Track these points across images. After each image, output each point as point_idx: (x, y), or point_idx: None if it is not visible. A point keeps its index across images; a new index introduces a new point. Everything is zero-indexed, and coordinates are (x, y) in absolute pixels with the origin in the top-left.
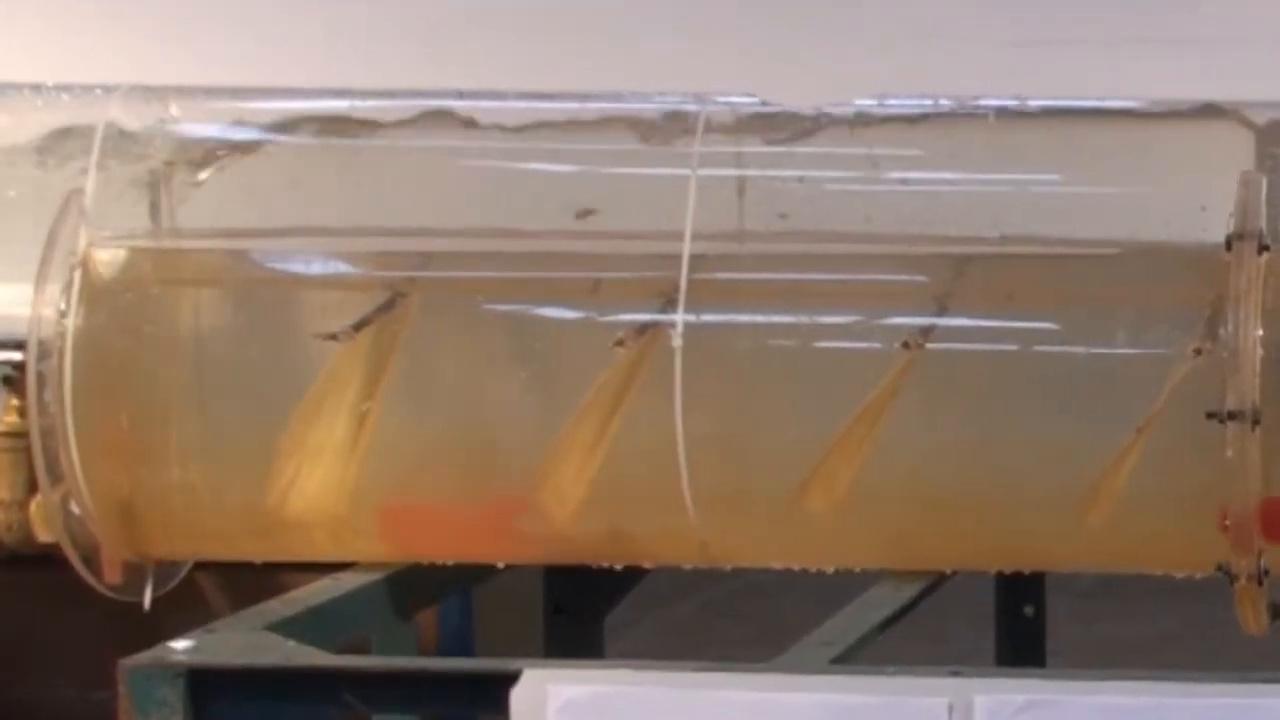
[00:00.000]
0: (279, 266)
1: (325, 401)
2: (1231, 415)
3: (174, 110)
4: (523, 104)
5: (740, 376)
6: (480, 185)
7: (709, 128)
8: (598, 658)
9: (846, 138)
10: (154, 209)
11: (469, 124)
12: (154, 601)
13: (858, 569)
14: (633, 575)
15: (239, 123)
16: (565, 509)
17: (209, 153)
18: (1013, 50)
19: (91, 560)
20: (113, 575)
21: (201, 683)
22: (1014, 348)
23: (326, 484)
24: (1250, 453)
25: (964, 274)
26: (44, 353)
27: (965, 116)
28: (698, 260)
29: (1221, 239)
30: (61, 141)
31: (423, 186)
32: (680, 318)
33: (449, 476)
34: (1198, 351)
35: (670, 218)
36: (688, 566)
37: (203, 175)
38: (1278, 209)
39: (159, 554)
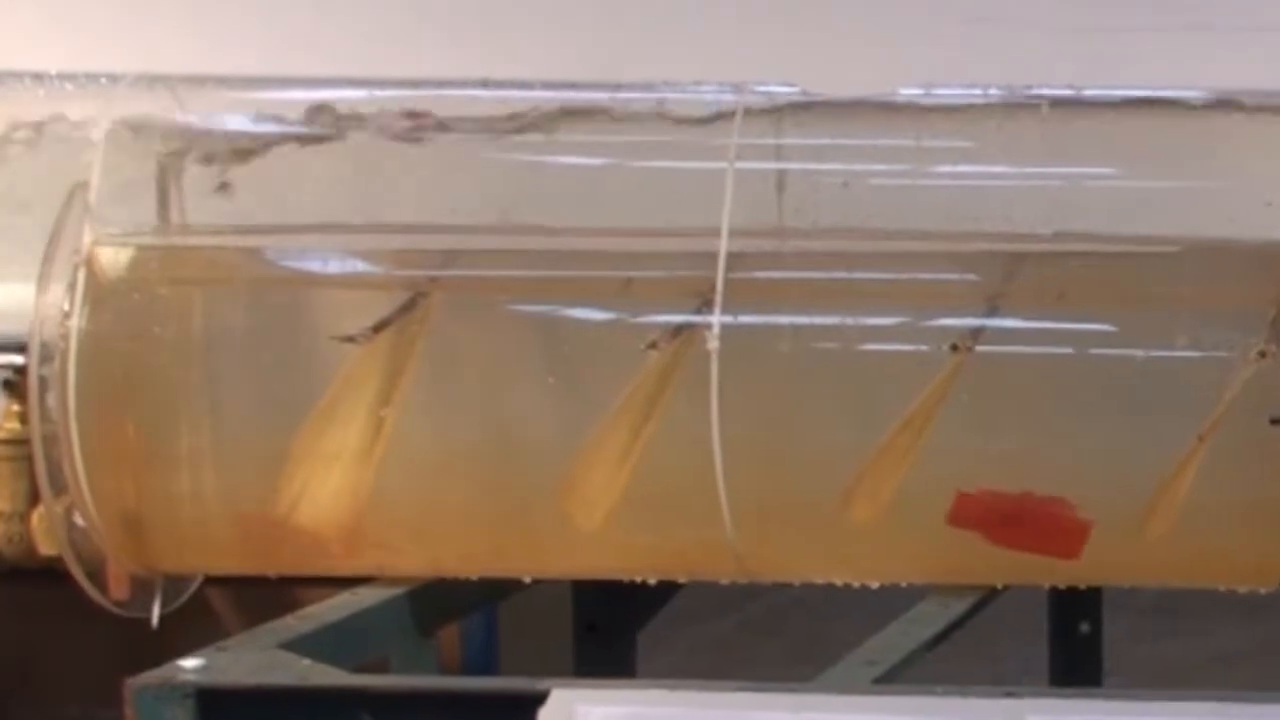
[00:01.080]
0: (293, 265)
1: (341, 406)
2: None
3: (184, 100)
4: (550, 94)
5: (780, 381)
6: (505, 179)
7: (747, 119)
8: (629, 677)
9: (892, 129)
10: (162, 204)
11: (495, 114)
12: (163, 618)
13: (903, 584)
14: (666, 591)
15: (251, 114)
16: (595, 520)
17: (220, 145)
18: (1067, 36)
19: (96, 575)
20: (119, 590)
21: (212, 703)
22: (1068, 351)
23: (340, 493)
24: None
25: (1016, 273)
26: (46, 356)
27: (1018, 106)
28: (735, 258)
29: None
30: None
31: (446, 180)
32: (717, 319)
33: (471, 486)
34: (1262, 354)
35: (706, 213)
36: (724, 581)
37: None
38: None
39: (167, 568)
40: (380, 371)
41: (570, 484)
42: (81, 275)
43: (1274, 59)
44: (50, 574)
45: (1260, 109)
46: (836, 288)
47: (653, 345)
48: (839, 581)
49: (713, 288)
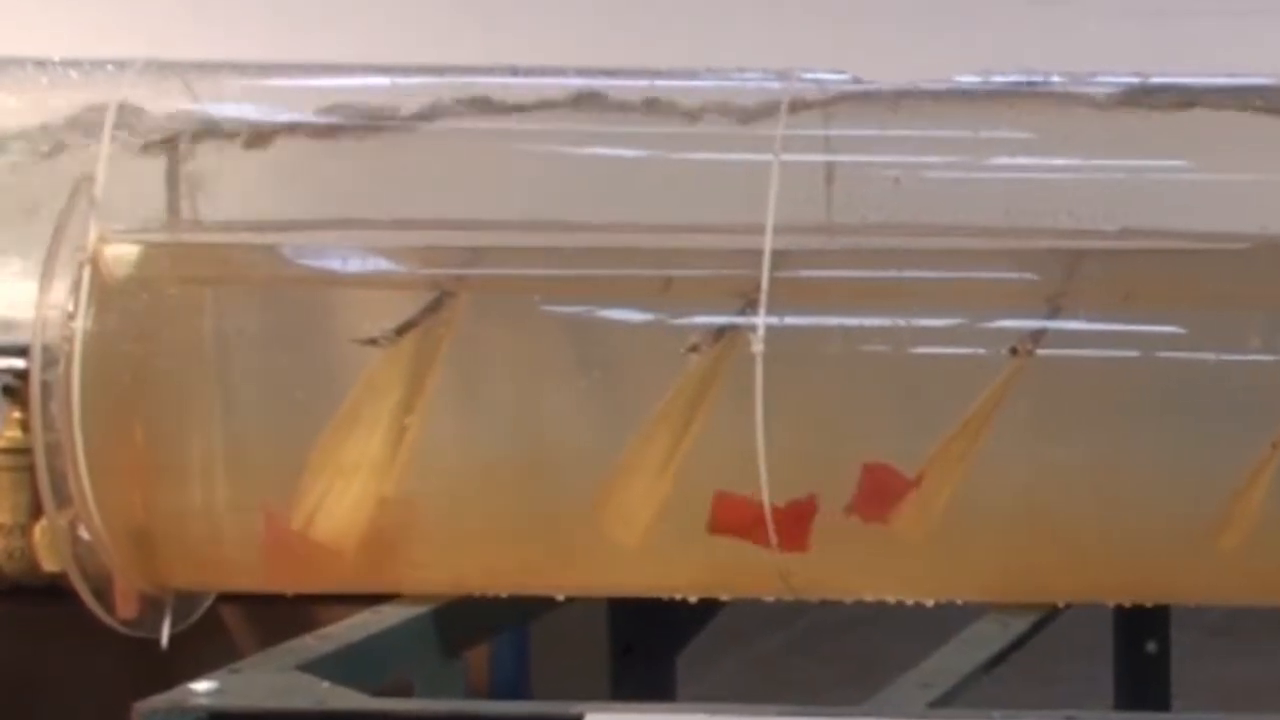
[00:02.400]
0: (312, 263)
1: (362, 414)
2: None
3: (195, 89)
4: (584, 81)
5: (828, 385)
6: (537, 172)
7: (794, 108)
8: (669, 700)
9: (947, 119)
10: (172, 199)
11: (524, 104)
12: (173, 638)
13: (959, 601)
14: (708, 609)
15: (268, 103)
16: (632, 535)
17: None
18: (1132, 21)
19: (103, 592)
20: (126, 609)
21: None
22: (1134, 354)
23: (361, 505)
24: None
25: (1078, 271)
26: (49, 360)
27: (1080, 95)
28: (781, 256)
29: None
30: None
31: (472, 174)
32: (761, 320)
33: (500, 498)
34: None
35: (750, 208)
36: (769, 599)
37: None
38: None
39: (178, 585)
40: (403, 376)
41: (606, 496)
42: (86, 274)
43: None
44: (53, 591)
45: None
46: (888, 287)
47: (694, 348)
48: (890, 599)
49: (757, 287)
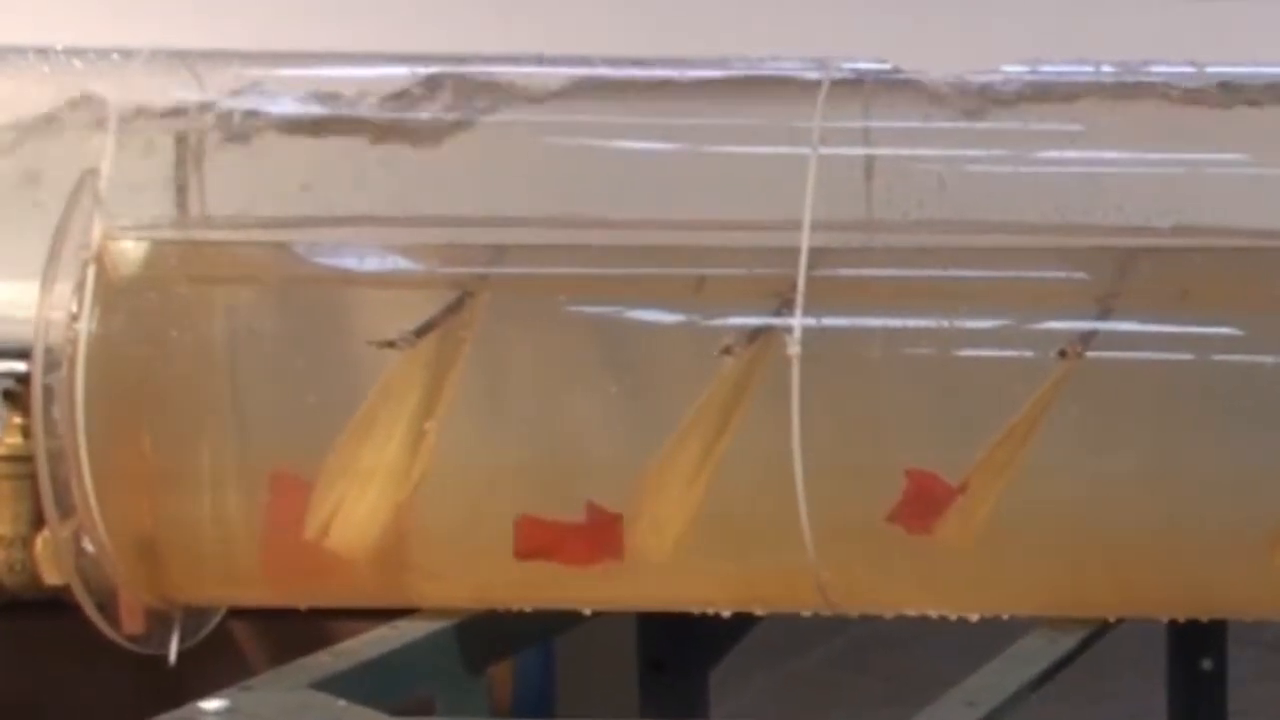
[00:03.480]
0: (327, 261)
1: (379, 419)
2: None
3: (205, 79)
4: (612, 71)
5: (868, 390)
6: (562, 165)
7: (832, 98)
8: (701, 719)
9: (994, 111)
10: (181, 194)
11: (550, 93)
12: (181, 655)
13: (1005, 616)
14: (741, 624)
15: (282, 93)
16: (663, 545)
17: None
18: (1189, 7)
19: (108, 606)
20: (133, 624)
21: None
22: (1189, 356)
23: (378, 514)
24: None
25: (1131, 270)
26: (52, 362)
27: (1133, 86)
28: (818, 254)
29: None
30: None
31: (495, 167)
32: (798, 321)
33: (524, 507)
34: None
35: (786, 204)
36: (806, 613)
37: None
38: None
39: (187, 598)
40: (423, 380)
41: (635, 505)
42: (91, 273)
43: None
44: (56, 606)
45: None
46: (931, 287)
47: (727, 351)
48: (933, 613)
49: (794, 287)
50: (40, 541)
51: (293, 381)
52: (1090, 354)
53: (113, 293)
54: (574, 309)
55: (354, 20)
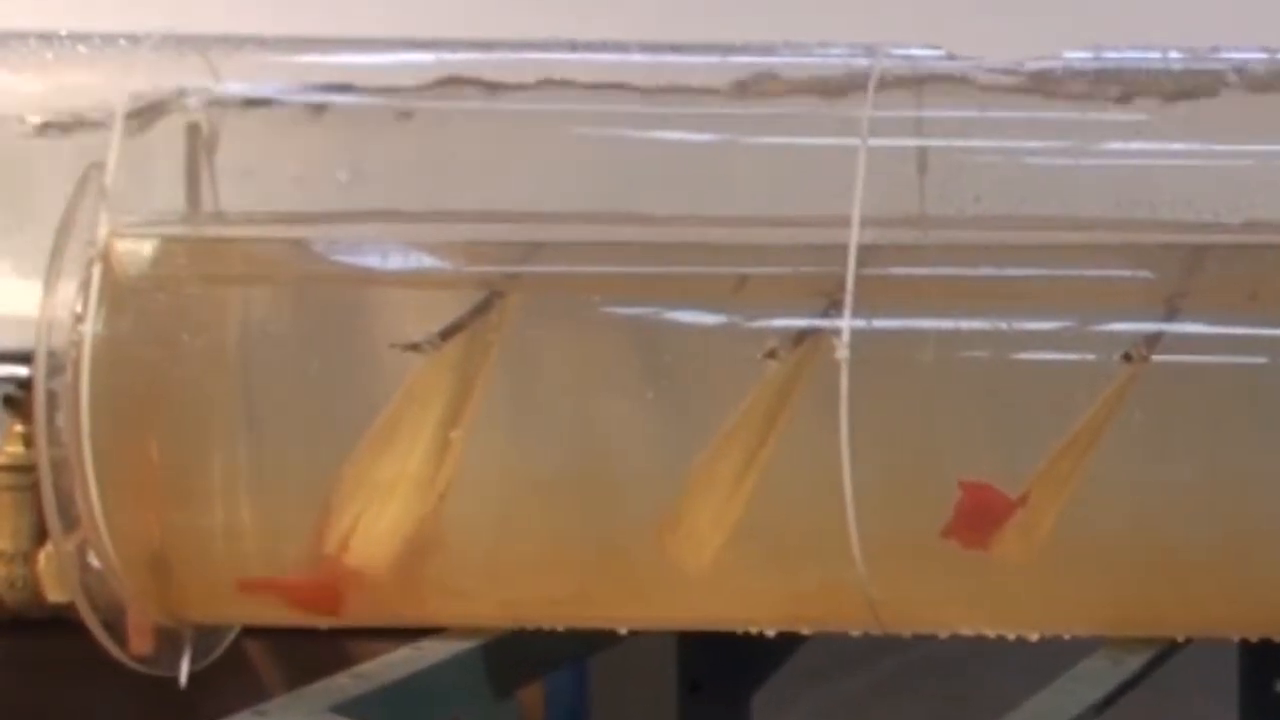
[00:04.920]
0: (347, 259)
1: (402, 427)
2: None
3: (217, 66)
4: (650, 58)
5: (920, 395)
6: (597, 158)
7: (883, 86)
8: None
9: (1053, 99)
10: (191, 189)
11: (584, 84)
12: (193, 676)
13: (1066, 636)
14: (786, 644)
15: (298, 82)
16: (702, 560)
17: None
18: None
19: (115, 625)
20: (141, 644)
21: None
22: (1260, 360)
23: (400, 528)
24: None
25: (1199, 268)
26: (55, 366)
27: (1201, 74)
28: (868, 251)
29: None
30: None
31: (527, 160)
32: (847, 323)
33: (556, 520)
34: None
35: (834, 198)
36: (855, 633)
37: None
38: None
39: (198, 617)
40: (448, 385)
41: (673, 518)
42: (97, 272)
43: None
44: (59, 624)
45: None
46: (987, 287)
47: (771, 354)
48: (989, 633)
49: (842, 286)
50: (43, 556)
51: (310, 387)
52: (1156, 357)
53: (120, 292)
54: (608, 310)
55: (380, 4)
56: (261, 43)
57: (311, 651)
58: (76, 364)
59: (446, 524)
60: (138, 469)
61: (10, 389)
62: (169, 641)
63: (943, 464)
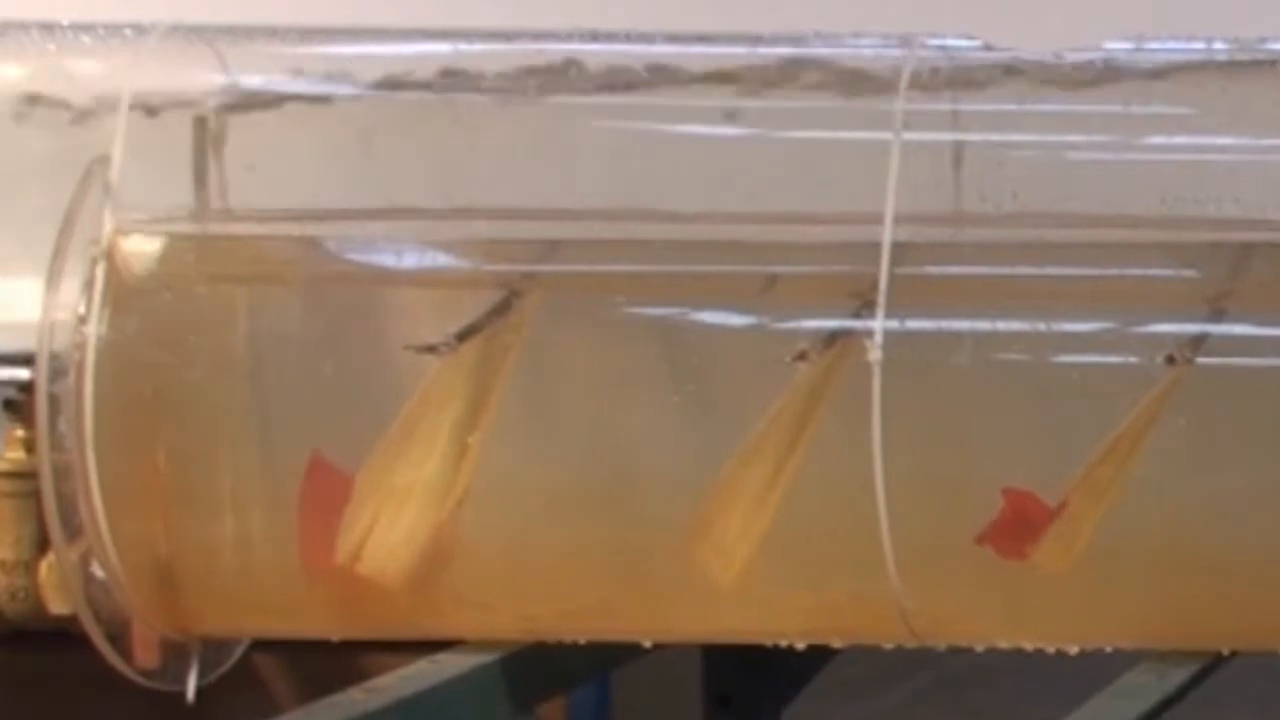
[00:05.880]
0: (360, 258)
1: (418, 432)
2: None
3: (224, 57)
4: (674, 49)
5: (956, 400)
6: (620, 153)
7: (917, 79)
8: None
9: (1094, 92)
10: (199, 184)
11: (606, 74)
12: (200, 691)
13: (1108, 648)
14: (817, 657)
15: (307, 73)
16: (730, 570)
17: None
18: None
19: (119, 638)
20: (146, 657)
21: None
22: None
23: (416, 537)
24: None
25: (1245, 267)
26: (58, 369)
27: (1247, 64)
28: (902, 250)
29: None
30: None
31: (545, 156)
32: (880, 324)
33: (577, 529)
34: None
35: (866, 194)
36: (888, 645)
37: None
38: None
39: (206, 629)
40: (466, 389)
41: (700, 526)
42: (101, 271)
43: None
44: (62, 637)
45: None
46: (1025, 286)
47: (801, 356)
48: (1027, 645)
49: (874, 286)
50: (45, 566)
51: (322, 390)
52: (1200, 360)
53: (125, 292)
54: (633, 310)
55: None
56: (271, 33)
57: (323, 665)
58: (80, 367)
59: (464, 532)
60: (143, 476)
61: (11, 392)
62: (176, 655)
63: (979, 470)
